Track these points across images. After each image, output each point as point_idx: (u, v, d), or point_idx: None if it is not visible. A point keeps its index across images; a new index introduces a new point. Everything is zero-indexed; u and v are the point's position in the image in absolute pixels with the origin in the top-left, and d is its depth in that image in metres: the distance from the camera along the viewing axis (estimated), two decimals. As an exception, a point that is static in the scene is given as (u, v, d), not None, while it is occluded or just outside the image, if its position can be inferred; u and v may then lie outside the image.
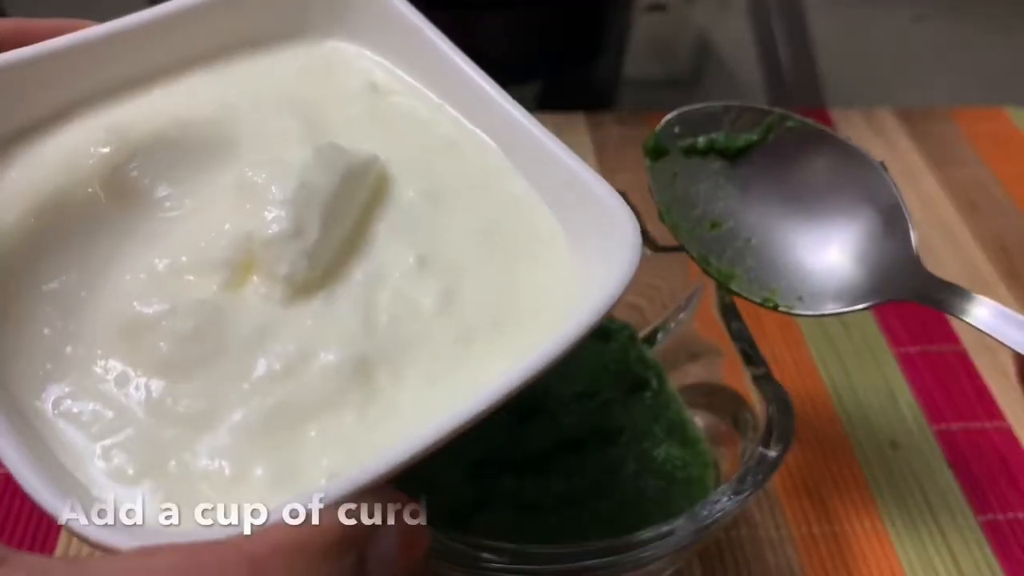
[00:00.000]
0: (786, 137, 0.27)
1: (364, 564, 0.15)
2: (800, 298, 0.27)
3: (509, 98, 0.23)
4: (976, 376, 0.37)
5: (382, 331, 0.19)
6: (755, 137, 0.28)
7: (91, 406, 0.18)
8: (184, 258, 0.19)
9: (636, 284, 0.32)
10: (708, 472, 0.28)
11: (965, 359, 0.37)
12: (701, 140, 0.28)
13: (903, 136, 0.50)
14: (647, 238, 0.31)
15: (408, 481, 0.27)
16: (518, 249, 0.21)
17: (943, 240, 0.43)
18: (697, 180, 0.28)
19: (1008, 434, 0.35)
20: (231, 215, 0.20)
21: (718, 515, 0.23)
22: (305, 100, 0.23)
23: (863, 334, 0.38)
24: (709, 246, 0.27)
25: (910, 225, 0.26)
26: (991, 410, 0.35)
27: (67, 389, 0.18)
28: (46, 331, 0.19)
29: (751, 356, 0.27)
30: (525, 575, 0.23)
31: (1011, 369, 0.37)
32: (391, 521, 0.15)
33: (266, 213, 0.19)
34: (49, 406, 0.18)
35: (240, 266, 0.19)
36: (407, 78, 0.24)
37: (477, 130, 0.23)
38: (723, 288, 0.28)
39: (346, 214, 0.20)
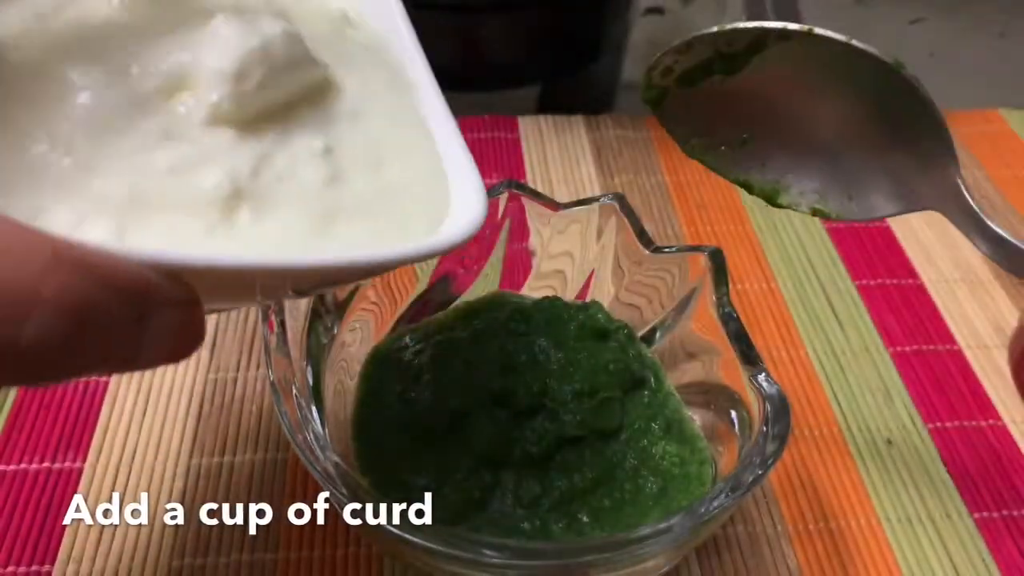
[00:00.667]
0: (788, 44, 0.25)
1: (143, 321, 0.15)
2: (851, 199, 0.26)
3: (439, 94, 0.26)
4: (971, 375, 0.37)
5: (264, 181, 0.21)
6: (746, 44, 0.26)
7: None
8: (136, 62, 0.21)
9: (635, 284, 0.32)
10: (706, 469, 0.28)
11: (960, 358, 0.38)
12: (692, 64, 0.26)
13: (899, 138, 0.50)
14: (645, 238, 0.32)
15: (414, 479, 0.27)
16: (407, 175, 0.24)
17: (939, 241, 0.43)
18: (709, 103, 0.27)
19: (1003, 432, 0.35)
20: (189, 45, 0.22)
21: (715, 512, 0.24)
22: (282, 5, 0.25)
23: (859, 333, 0.39)
24: (746, 166, 0.26)
25: (946, 131, 0.25)
26: (986, 408, 0.36)
27: None
28: None
29: (748, 355, 0.28)
30: (525, 571, 0.23)
31: (1006, 368, 0.37)
32: (175, 298, 0.16)
33: (221, 53, 0.21)
34: None
35: (180, 81, 0.21)
36: (375, 26, 0.27)
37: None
38: (770, 204, 0.27)
39: (282, 89, 0.22)
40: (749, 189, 0.26)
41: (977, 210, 0.25)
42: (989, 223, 0.24)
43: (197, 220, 0.20)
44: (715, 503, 0.24)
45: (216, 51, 0.21)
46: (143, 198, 0.19)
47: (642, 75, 0.27)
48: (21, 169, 0.19)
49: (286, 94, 0.22)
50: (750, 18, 0.63)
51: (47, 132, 0.19)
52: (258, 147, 0.21)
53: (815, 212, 0.26)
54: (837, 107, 0.26)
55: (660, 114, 0.27)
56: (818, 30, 0.25)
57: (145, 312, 0.15)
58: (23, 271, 0.13)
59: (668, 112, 0.27)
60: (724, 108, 0.27)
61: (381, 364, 0.31)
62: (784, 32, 0.25)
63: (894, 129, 0.25)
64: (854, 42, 0.25)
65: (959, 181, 0.25)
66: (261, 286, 0.21)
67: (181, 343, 0.17)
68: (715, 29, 0.26)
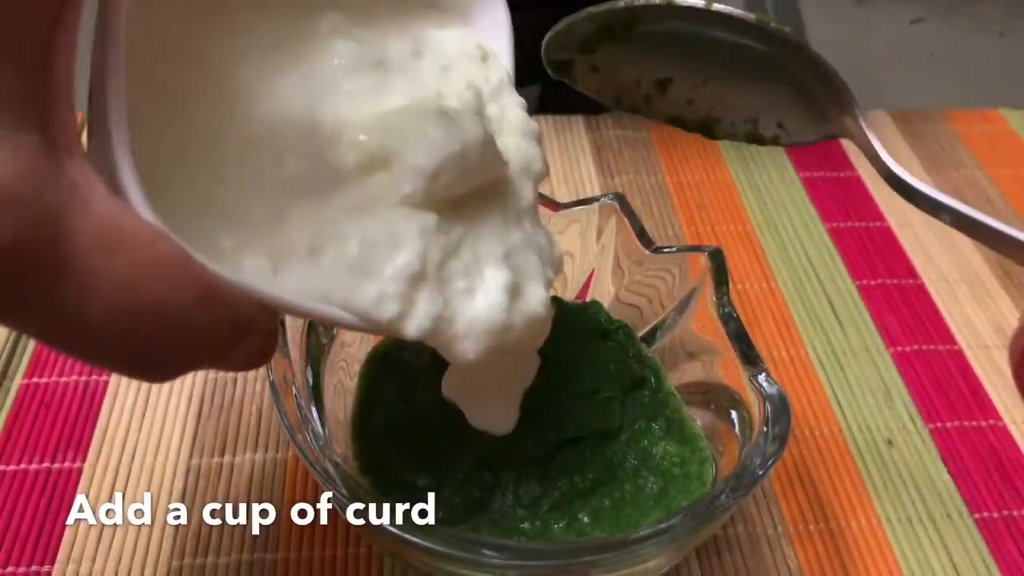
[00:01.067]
0: (662, 13, 0.27)
1: (237, 347, 0.19)
2: (780, 126, 0.27)
3: None
4: (971, 375, 0.37)
5: (448, 273, 0.23)
6: (623, 17, 0.27)
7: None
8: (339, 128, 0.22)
9: (635, 284, 0.32)
10: (706, 469, 0.28)
11: (960, 358, 0.38)
12: (587, 35, 0.28)
13: (899, 138, 0.50)
14: (645, 238, 0.31)
15: (414, 480, 0.27)
16: None
17: (939, 241, 0.43)
18: (618, 60, 0.28)
19: (1003, 432, 0.35)
20: (397, 132, 0.22)
21: (715, 512, 0.24)
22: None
23: (859, 333, 0.39)
24: (674, 106, 0.28)
25: (831, 73, 0.26)
26: (986, 408, 0.36)
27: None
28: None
29: (748, 355, 0.28)
30: (525, 571, 0.23)
31: (1007, 368, 0.37)
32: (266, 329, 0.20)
33: (426, 153, 0.22)
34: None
35: (382, 163, 0.22)
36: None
37: None
38: (708, 136, 0.28)
39: (468, 186, 0.23)
40: (684, 126, 0.28)
41: (876, 146, 0.26)
42: (885, 159, 0.26)
43: (372, 284, 0.21)
44: (715, 503, 0.24)
45: (421, 150, 0.22)
46: (322, 254, 0.21)
47: (542, 52, 0.28)
48: (221, 210, 0.20)
49: (470, 188, 0.24)
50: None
51: (254, 183, 0.21)
52: (444, 240, 0.23)
53: (751, 139, 0.28)
54: (731, 53, 0.27)
55: (573, 81, 0.28)
56: (678, 1, 0.26)
57: (244, 335, 0.19)
58: (180, 297, 0.17)
59: (581, 78, 0.28)
60: (633, 62, 0.28)
61: (381, 364, 0.31)
62: (649, 4, 0.27)
63: (788, 72, 0.27)
64: (716, 6, 0.26)
65: (858, 114, 0.26)
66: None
67: (259, 359, 0.20)
68: (583, 14, 0.27)
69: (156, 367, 0.18)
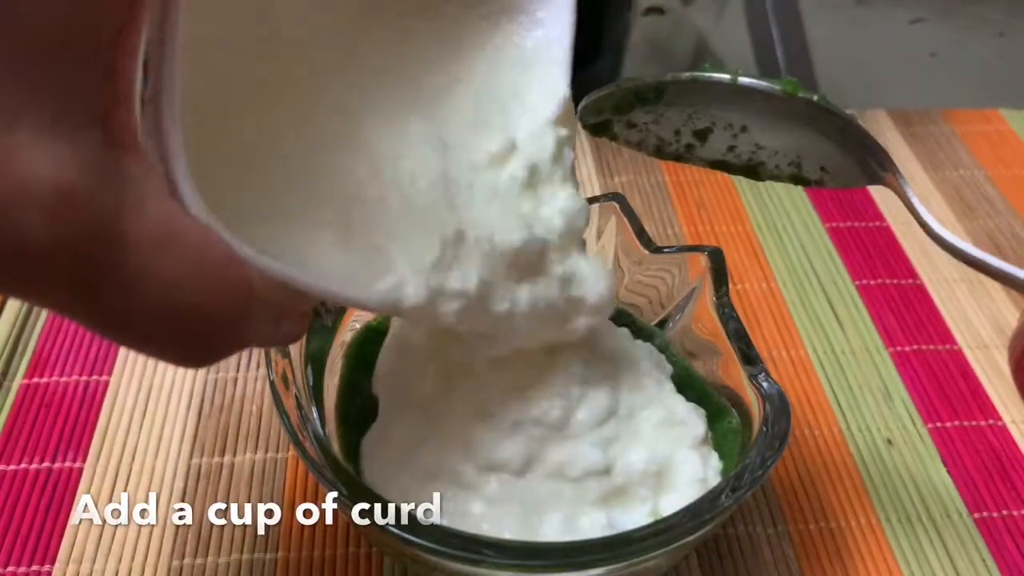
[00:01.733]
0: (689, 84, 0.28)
1: (279, 325, 0.20)
2: (824, 169, 0.28)
3: None
4: (971, 375, 0.37)
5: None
6: (655, 85, 0.28)
7: None
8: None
9: (635, 284, 0.32)
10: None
11: (960, 357, 0.38)
12: (617, 100, 0.28)
13: (898, 138, 0.50)
14: (645, 238, 0.32)
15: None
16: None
17: (938, 241, 0.43)
18: (654, 118, 0.29)
19: (1003, 432, 0.35)
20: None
21: (716, 512, 0.24)
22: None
23: (859, 333, 0.39)
24: (716, 152, 0.29)
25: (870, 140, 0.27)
26: (986, 408, 0.36)
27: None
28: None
29: (748, 355, 0.28)
30: (525, 571, 0.23)
31: (1006, 368, 0.37)
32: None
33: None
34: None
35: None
36: None
37: None
38: (754, 179, 0.29)
39: None
40: (729, 169, 0.28)
41: (921, 211, 0.27)
42: (929, 222, 0.26)
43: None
44: (715, 503, 0.24)
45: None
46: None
47: (578, 116, 0.28)
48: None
49: None
50: (750, 18, 0.63)
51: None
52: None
53: (796, 180, 0.28)
54: (765, 108, 0.27)
55: (613, 138, 0.29)
56: (703, 76, 0.27)
57: (281, 322, 0.20)
58: (223, 298, 0.18)
59: (621, 134, 0.29)
60: (669, 118, 0.28)
61: (358, 348, 0.31)
62: (676, 79, 0.27)
63: (823, 129, 0.27)
64: (741, 80, 0.27)
65: (897, 174, 0.27)
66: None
67: (293, 340, 0.23)
68: (612, 87, 0.28)
69: (198, 357, 0.19)
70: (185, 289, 0.16)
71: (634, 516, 0.26)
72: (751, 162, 0.28)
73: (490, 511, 0.25)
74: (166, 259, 0.16)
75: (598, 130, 0.29)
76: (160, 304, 0.16)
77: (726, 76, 0.27)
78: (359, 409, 0.29)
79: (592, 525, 0.25)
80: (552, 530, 0.25)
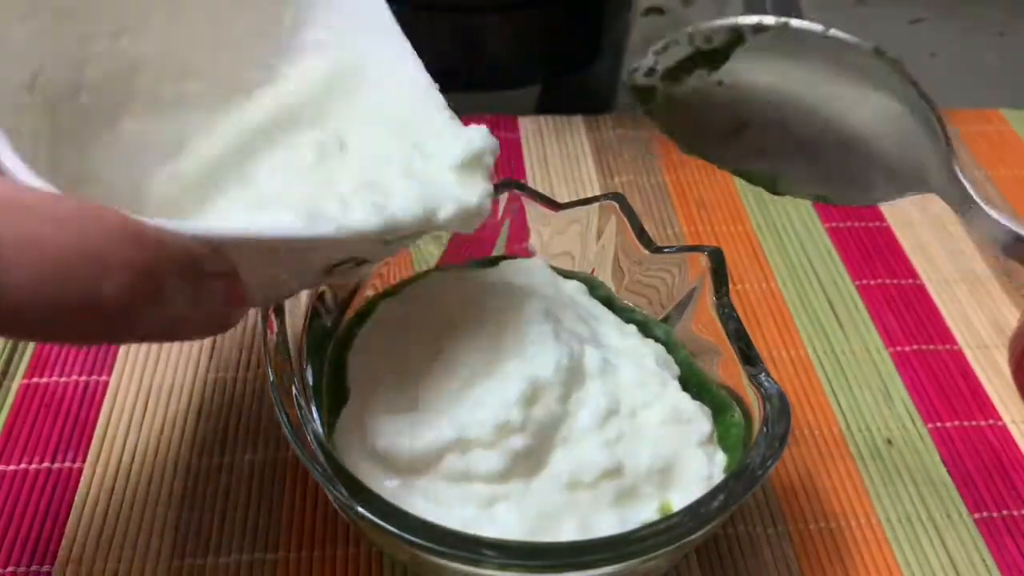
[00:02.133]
0: (765, 36, 0.26)
1: (195, 288, 0.18)
2: (850, 183, 0.26)
3: None
4: (971, 375, 0.37)
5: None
6: (728, 38, 0.26)
7: None
8: None
9: (635, 284, 0.32)
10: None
11: (960, 358, 0.38)
12: (675, 62, 0.27)
13: (899, 138, 0.50)
14: (645, 238, 0.31)
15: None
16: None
17: (939, 240, 0.43)
18: (698, 97, 0.27)
19: (1003, 432, 0.35)
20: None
21: (715, 512, 0.24)
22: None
23: (859, 333, 0.39)
24: (743, 156, 0.27)
25: (936, 119, 0.24)
26: (986, 408, 0.36)
27: None
28: None
29: (748, 355, 0.28)
30: (525, 571, 0.23)
31: (1006, 368, 0.37)
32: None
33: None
34: None
35: None
36: None
37: None
38: (773, 193, 0.27)
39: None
40: (749, 179, 0.27)
41: (974, 195, 0.24)
42: (985, 208, 0.24)
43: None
44: (715, 503, 0.24)
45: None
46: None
47: (626, 76, 0.27)
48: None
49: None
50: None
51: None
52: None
53: (818, 198, 0.27)
54: (823, 96, 0.26)
55: (651, 111, 0.28)
56: (794, 22, 0.25)
57: (195, 280, 0.18)
58: (96, 240, 0.16)
59: (659, 110, 0.28)
60: (713, 101, 0.27)
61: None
62: (759, 26, 0.25)
63: (882, 116, 0.26)
64: (832, 32, 0.25)
65: (955, 166, 0.25)
66: (289, 259, 0.22)
67: (224, 309, 0.20)
68: (689, 29, 0.26)
69: (109, 325, 0.17)
70: (47, 243, 0.16)
71: (643, 514, 0.26)
72: (774, 174, 0.27)
73: (501, 517, 0.25)
74: (14, 224, 0.15)
75: (641, 96, 0.27)
76: (28, 265, 0.15)
77: (817, 27, 0.24)
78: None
79: (606, 527, 0.25)
80: (567, 536, 0.25)
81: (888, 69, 0.25)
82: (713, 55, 0.26)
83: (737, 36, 0.26)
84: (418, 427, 0.25)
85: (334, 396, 0.29)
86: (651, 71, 0.27)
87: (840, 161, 0.26)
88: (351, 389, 0.28)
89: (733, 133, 0.27)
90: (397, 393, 0.27)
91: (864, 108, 0.26)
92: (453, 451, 0.25)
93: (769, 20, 0.25)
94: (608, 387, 0.27)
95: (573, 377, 0.26)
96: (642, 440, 0.26)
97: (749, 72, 0.26)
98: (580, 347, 0.27)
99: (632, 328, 0.30)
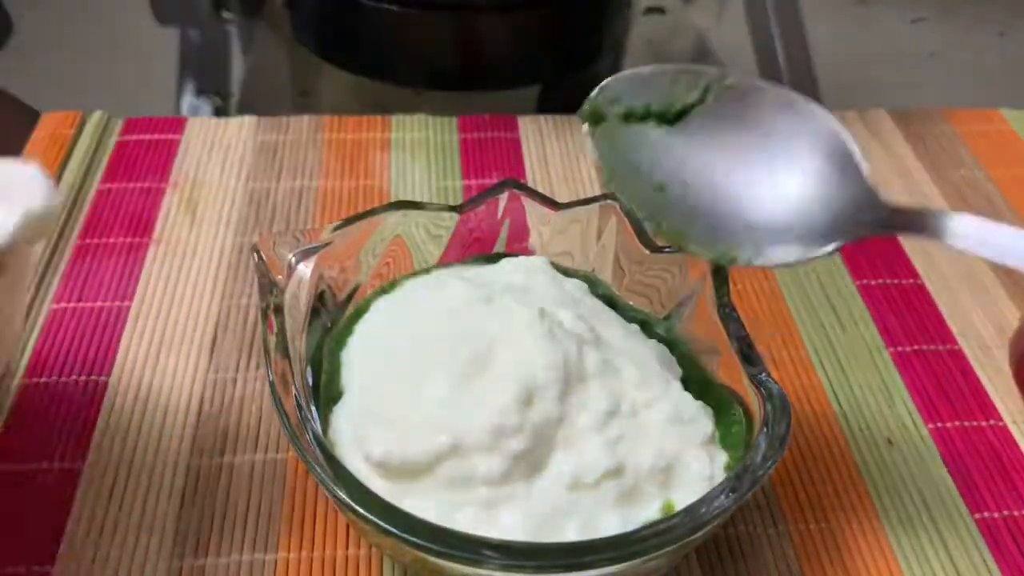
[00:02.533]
0: (726, 96, 0.27)
1: None
2: (759, 250, 0.27)
3: None
4: (972, 374, 0.37)
5: None
6: (693, 100, 0.27)
7: None
8: None
9: (635, 284, 0.32)
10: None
11: (961, 358, 0.38)
12: (638, 106, 0.28)
13: (899, 137, 0.50)
14: (645, 238, 0.31)
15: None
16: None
17: (939, 241, 0.43)
18: (638, 146, 0.28)
19: (1004, 432, 0.35)
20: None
21: (716, 512, 0.24)
22: None
23: (860, 333, 0.39)
24: (658, 209, 0.28)
25: (860, 160, 0.25)
26: (986, 408, 0.36)
27: None
28: None
29: (748, 355, 0.28)
30: (525, 571, 0.23)
31: (1007, 368, 0.37)
32: None
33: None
34: None
35: None
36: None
37: None
38: (678, 249, 0.28)
39: None
40: (658, 227, 0.27)
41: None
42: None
43: None
44: (715, 504, 0.24)
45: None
46: None
47: (591, 95, 0.27)
48: None
49: None
50: (750, 18, 0.63)
51: None
52: None
53: (721, 257, 0.27)
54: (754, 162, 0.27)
55: (593, 137, 0.28)
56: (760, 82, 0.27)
57: None
58: None
59: (599, 139, 0.28)
60: (649, 151, 0.28)
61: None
62: (732, 83, 0.27)
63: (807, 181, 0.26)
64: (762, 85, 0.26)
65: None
66: None
67: None
68: (666, 70, 0.27)
69: None
70: None
71: (645, 514, 0.26)
72: (684, 232, 0.28)
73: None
74: None
75: (594, 119, 0.28)
76: None
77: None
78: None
79: (609, 527, 0.25)
80: (571, 537, 0.25)
81: (831, 132, 0.26)
82: (672, 115, 0.28)
83: (703, 93, 0.27)
84: (413, 434, 0.25)
85: (330, 394, 0.29)
86: (614, 100, 0.28)
87: (752, 230, 0.27)
88: (346, 388, 0.28)
89: (657, 190, 0.28)
90: (392, 395, 0.27)
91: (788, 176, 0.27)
92: (450, 457, 0.25)
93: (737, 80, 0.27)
94: (609, 388, 0.27)
95: (571, 378, 0.26)
96: (644, 440, 0.26)
97: (687, 137, 0.27)
98: (579, 348, 0.27)
99: (635, 327, 0.30)
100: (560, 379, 0.26)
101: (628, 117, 0.28)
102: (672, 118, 0.27)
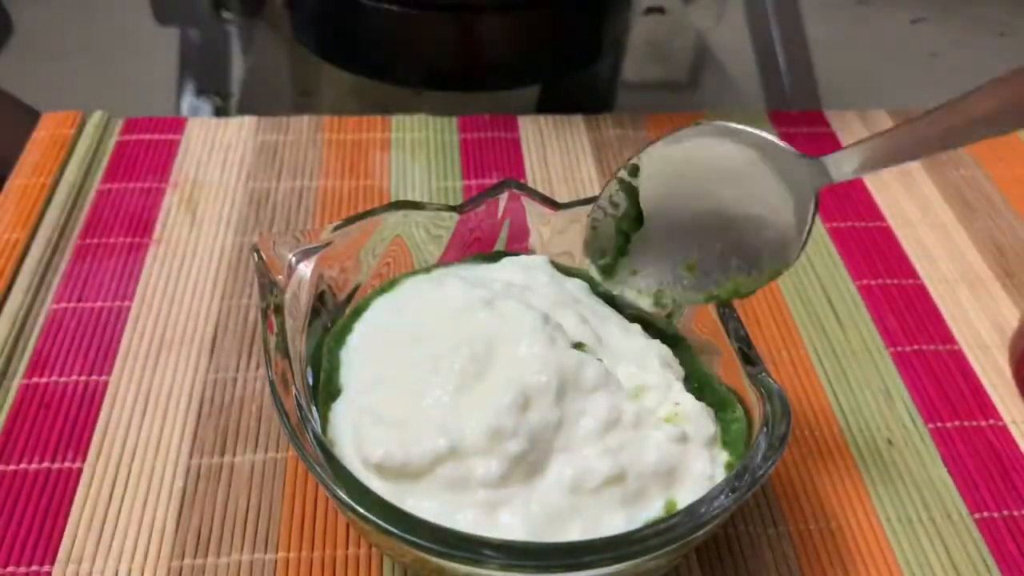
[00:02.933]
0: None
1: None
2: (737, 282, 0.29)
3: None
4: (971, 374, 0.37)
5: None
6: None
7: None
8: None
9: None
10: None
11: (960, 358, 0.38)
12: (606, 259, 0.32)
13: (899, 138, 0.50)
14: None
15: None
16: None
17: (940, 241, 0.43)
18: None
19: (1003, 432, 0.35)
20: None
21: (716, 512, 0.24)
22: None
23: (859, 333, 0.39)
24: (638, 286, 0.31)
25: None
26: (986, 408, 0.36)
27: None
28: None
29: (748, 355, 0.28)
30: (525, 571, 0.23)
31: (1006, 368, 0.37)
32: None
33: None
34: None
35: None
36: None
37: None
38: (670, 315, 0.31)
39: None
40: (658, 303, 0.31)
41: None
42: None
43: None
44: (715, 504, 0.24)
45: None
46: None
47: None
48: None
49: None
50: (750, 18, 0.63)
51: None
52: None
53: (708, 299, 0.30)
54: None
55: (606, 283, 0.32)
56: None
57: None
58: None
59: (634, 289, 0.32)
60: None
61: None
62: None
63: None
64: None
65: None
66: None
67: None
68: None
69: None
70: None
71: (648, 514, 0.26)
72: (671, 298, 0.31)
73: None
74: None
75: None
76: None
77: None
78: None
79: (612, 527, 0.25)
80: (574, 538, 0.25)
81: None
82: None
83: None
84: (410, 437, 0.25)
85: (329, 392, 0.29)
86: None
87: (733, 266, 0.29)
88: (344, 386, 0.28)
89: (632, 273, 0.32)
90: (391, 396, 0.27)
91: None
92: (448, 459, 0.25)
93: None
94: (609, 392, 0.27)
95: (568, 385, 0.26)
96: (646, 441, 0.26)
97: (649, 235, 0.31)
98: (578, 350, 0.27)
99: (636, 327, 0.30)
100: (558, 384, 0.26)
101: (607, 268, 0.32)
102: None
